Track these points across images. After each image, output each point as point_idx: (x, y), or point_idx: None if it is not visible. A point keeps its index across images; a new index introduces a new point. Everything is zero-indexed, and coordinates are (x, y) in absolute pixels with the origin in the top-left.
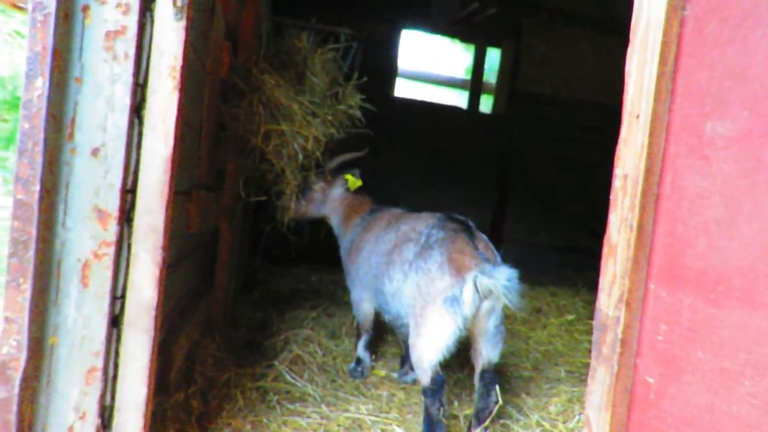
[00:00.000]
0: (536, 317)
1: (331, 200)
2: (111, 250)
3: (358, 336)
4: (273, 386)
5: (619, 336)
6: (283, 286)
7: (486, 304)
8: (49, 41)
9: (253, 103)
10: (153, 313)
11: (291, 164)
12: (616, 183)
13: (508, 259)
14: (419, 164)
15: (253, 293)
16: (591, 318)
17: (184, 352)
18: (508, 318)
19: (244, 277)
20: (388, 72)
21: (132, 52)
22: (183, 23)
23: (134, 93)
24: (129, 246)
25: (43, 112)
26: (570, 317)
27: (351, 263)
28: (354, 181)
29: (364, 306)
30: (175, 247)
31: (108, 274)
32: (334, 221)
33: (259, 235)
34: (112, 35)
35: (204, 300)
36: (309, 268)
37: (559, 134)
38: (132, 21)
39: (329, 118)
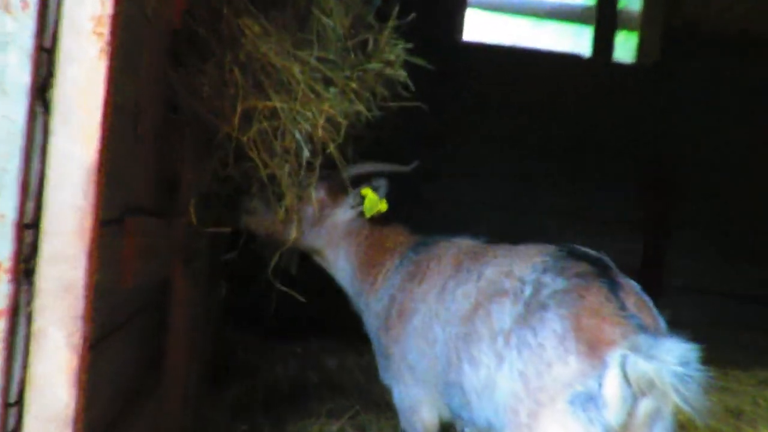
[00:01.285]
0: (734, 426)
1: (331, 227)
2: (0, 325)
3: None
4: None
5: None
6: (281, 377)
7: (645, 405)
8: None
9: (224, 66)
10: (69, 430)
11: (288, 165)
12: None
13: (676, 325)
14: (507, 158)
15: (231, 389)
16: None
17: None
18: (683, 429)
19: (215, 362)
20: (451, 2)
21: None
22: None
23: (37, 64)
24: (29, 316)
25: None
26: None
27: (391, 340)
28: (374, 201)
29: (421, 414)
30: (101, 315)
31: None
32: (339, 264)
33: (237, 288)
34: None
35: (149, 401)
36: (322, 345)
37: (761, 100)
38: None
39: (352, 85)
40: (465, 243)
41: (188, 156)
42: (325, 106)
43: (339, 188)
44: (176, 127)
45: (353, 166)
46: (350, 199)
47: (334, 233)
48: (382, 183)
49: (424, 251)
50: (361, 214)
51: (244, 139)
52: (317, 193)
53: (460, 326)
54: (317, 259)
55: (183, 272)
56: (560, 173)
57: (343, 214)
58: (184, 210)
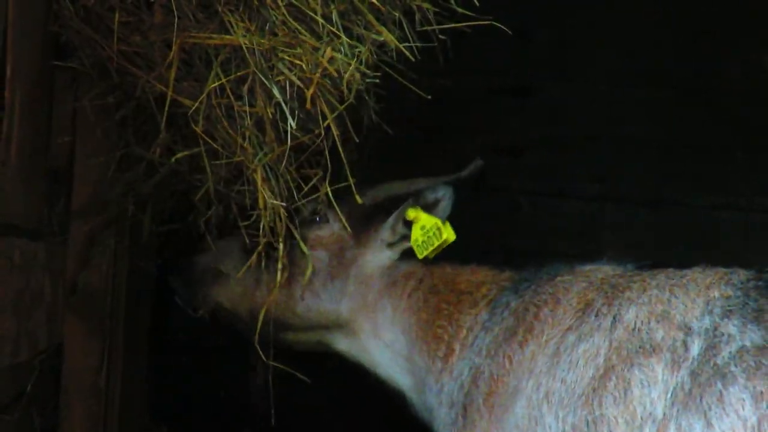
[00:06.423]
0: None
1: (361, 282)
2: None
3: None
4: None
5: None
6: None
7: None
8: None
9: None
10: None
11: (265, 150)
12: None
13: None
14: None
15: None
16: None
17: None
18: None
19: None
20: None
21: None
22: None
23: None
24: None
25: None
26: None
27: None
28: (431, 228)
29: None
30: None
31: None
32: (383, 343)
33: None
34: None
35: None
36: None
37: None
38: None
39: None
40: (601, 272)
41: (84, 131)
42: (324, 56)
43: (360, 214)
44: (65, 85)
45: (374, 187)
46: (384, 232)
47: (367, 291)
48: (444, 193)
49: (531, 291)
50: (407, 255)
51: (187, 103)
52: (326, 227)
53: (580, 410)
54: (323, 345)
55: (78, 327)
56: (734, 148)
57: (374, 258)
58: (80, 227)
